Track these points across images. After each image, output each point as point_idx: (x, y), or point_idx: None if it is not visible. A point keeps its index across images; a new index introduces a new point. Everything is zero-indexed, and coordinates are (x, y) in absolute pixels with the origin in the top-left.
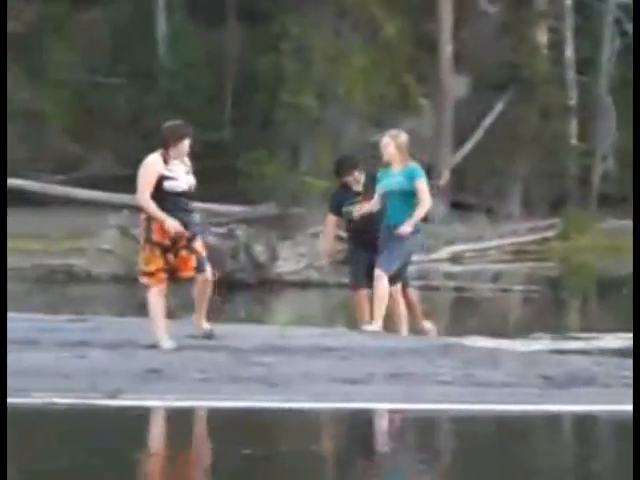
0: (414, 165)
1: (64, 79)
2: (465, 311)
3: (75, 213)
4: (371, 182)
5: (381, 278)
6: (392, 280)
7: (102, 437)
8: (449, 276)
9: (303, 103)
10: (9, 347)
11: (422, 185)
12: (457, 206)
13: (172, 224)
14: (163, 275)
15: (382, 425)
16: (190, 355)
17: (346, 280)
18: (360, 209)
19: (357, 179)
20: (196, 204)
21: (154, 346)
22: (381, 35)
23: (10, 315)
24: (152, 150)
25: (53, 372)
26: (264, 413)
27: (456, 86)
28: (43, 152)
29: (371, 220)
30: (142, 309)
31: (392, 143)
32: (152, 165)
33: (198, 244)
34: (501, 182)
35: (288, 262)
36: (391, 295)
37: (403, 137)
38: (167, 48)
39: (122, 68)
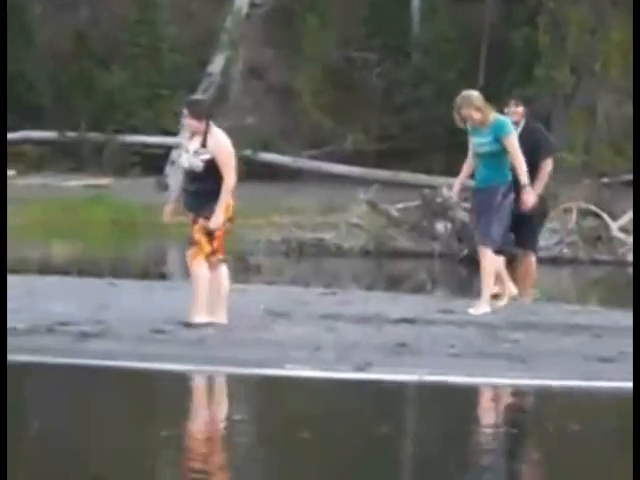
0: (500, 119)
1: (319, 54)
2: None
3: (326, 188)
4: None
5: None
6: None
7: (350, 409)
8: None
9: (558, 77)
10: (262, 319)
11: (511, 140)
12: None
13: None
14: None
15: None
16: (439, 330)
17: (599, 257)
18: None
19: None
20: (443, 179)
21: (403, 320)
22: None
23: (262, 287)
24: (403, 125)
25: (304, 344)
26: (513, 390)
27: None
28: (296, 127)
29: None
30: (391, 283)
31: (470, 110)
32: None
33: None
34: None
35: (540, 238)
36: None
37: (475, 95)
38: (421, 22)
39: (376, 43)
